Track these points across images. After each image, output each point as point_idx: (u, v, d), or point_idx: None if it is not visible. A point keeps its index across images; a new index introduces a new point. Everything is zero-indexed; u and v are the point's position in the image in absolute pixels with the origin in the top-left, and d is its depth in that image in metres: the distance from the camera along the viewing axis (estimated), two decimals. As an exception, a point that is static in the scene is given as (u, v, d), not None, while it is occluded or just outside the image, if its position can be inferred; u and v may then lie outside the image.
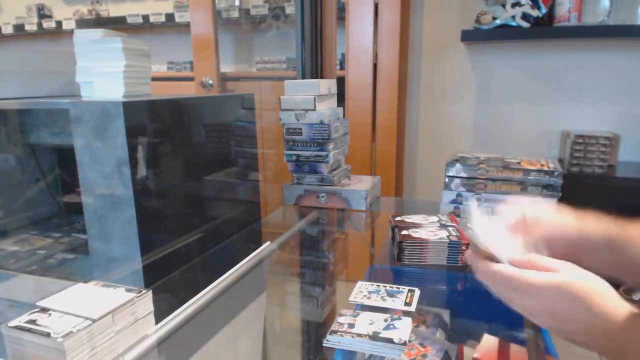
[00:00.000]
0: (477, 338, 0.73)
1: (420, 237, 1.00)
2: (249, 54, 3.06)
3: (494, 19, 2.03)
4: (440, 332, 0.86)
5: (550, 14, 2.01)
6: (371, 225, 1.41)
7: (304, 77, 1.75)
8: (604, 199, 1.90)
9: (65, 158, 1.51)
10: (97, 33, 1.14)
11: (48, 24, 3.34)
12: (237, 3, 2.83)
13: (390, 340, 0.67)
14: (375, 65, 2.22)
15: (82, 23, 3.28)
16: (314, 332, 0.98)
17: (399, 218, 1.14)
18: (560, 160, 2.11)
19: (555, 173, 1.16)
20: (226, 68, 3.00)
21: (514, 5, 1.99)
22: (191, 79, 2.70)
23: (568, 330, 0.52)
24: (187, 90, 2.80)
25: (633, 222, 0.65)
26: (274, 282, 1.12)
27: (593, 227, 0.63)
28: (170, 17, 3.02)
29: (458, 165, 1.22)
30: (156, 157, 1.04)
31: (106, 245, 1.02)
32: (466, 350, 0.78)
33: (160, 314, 0.68)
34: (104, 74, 1.16)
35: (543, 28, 2.01)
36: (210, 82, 2.59)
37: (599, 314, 0.49)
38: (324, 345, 0.69)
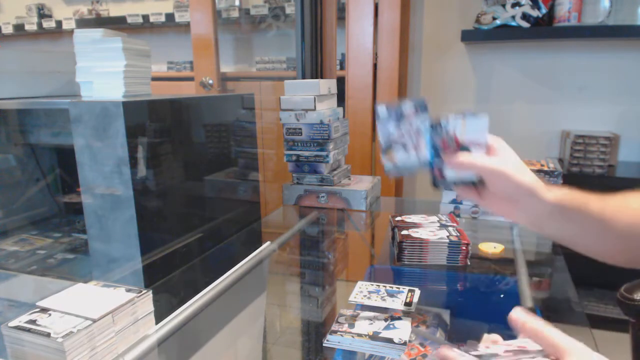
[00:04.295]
0: (477, 338, 0.73)
1: (420, 237, 1.00)
2: (249, 54, 3.06)
3: (494, 19, 2.03)
4: (440, 332, 0.86)
5: (550, 14, 2.01)
6: (371, 225, 1.41)
7: (304, 77, 1.75)
8: (604, 199, 1.89)
9: (65, 158, 1.51)
10: (97, 33, 1.14)
11: (48, 24, 3.34)
12: (237, 3, 2.83)
13: (390, 340, 0.67)
14: (375, 65, 2.21)
15: (82, 23, 3.28)
16: (314, 332, 0.98)
17: (399, 218, 1.14)
18: (560, 160, 2.11)
19: (555, 173, 1.16)
20: (226, 68, 3.00)
21: (514, 6, 1.99)
22: (191, 79, 2.70)
23: None
24: (187, 90, 2.80)
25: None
26: (274, 282, 1.12)
27: None
28: (170, 17, 3.02)
29: (458, 165, 1.22)
30: (156, 157, 1.04)
31: (106, 245, 1.02)
32: (466, 350, 0.77)
33: (160, 314, 0.68)
34: (104, 74, 1.16)
35: (543, 28, 2.01)
36: (210, 82, 2.59)
37: None
38: (324, 345, 0.69)
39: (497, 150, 0.67)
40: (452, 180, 0.67)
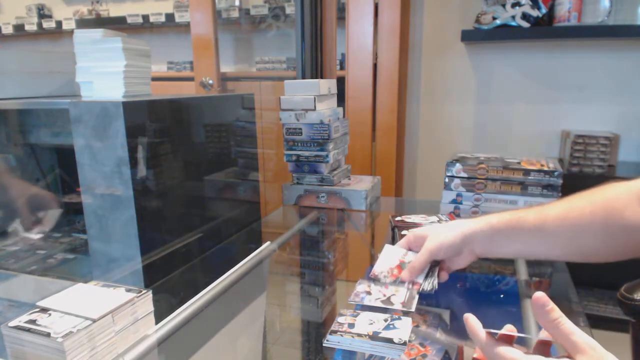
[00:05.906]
0: (477, 338, 0.73)
1: (420, 237, 1.00)
2: (249, 54, 3.06)
3: (494, 19, 2.03)
4: (440, 332, 0.86)
5: (550, 14, 2.01)
6: (371, 225, 1.41)
7: (304, 77, 1.75)
8: (604, 199, 1.89)
9: (65, 158, 1.51)
10: (97, 33, 1.14)
11: (48, 24, 3.34)
12: (237, 3, 2.83)
13: (390, 340, 0.67)
14: (375, 65, 2.22)
15: (82, 23, 3.28)
16: (314, 332, 0.98)
17: (399, 218, 1.14)
18: (560, 160, 2.11)
19: (555, 173, 1.16)
20: (226, 68, 3.00)
21: (514, 5, 1.99)
22: (191, 79, 2.70)
23: None
24: (187, 90, 2.80)
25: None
26: (274, 282, 1.12)
27: (479, 223, 0.77)
28: (170, 17, 3.02)
29: (458, 165, 1.22)
30: (156, 157, 1.04)
31: (106, 245, 1.02)
32: (466, 350, 0.77)
33: (160, 314, 0.68)
34: (104, 74, 1.16)
35: (543, 28, 2.01)
36: (210, 82, 2.59)
37: None
38: (324, 345, 0.69)
39: (421, 238, 0.84)
40: (430, 285, 0.82)
